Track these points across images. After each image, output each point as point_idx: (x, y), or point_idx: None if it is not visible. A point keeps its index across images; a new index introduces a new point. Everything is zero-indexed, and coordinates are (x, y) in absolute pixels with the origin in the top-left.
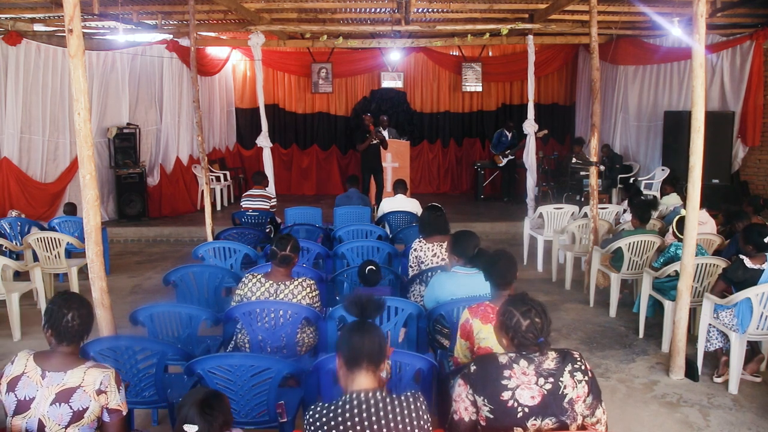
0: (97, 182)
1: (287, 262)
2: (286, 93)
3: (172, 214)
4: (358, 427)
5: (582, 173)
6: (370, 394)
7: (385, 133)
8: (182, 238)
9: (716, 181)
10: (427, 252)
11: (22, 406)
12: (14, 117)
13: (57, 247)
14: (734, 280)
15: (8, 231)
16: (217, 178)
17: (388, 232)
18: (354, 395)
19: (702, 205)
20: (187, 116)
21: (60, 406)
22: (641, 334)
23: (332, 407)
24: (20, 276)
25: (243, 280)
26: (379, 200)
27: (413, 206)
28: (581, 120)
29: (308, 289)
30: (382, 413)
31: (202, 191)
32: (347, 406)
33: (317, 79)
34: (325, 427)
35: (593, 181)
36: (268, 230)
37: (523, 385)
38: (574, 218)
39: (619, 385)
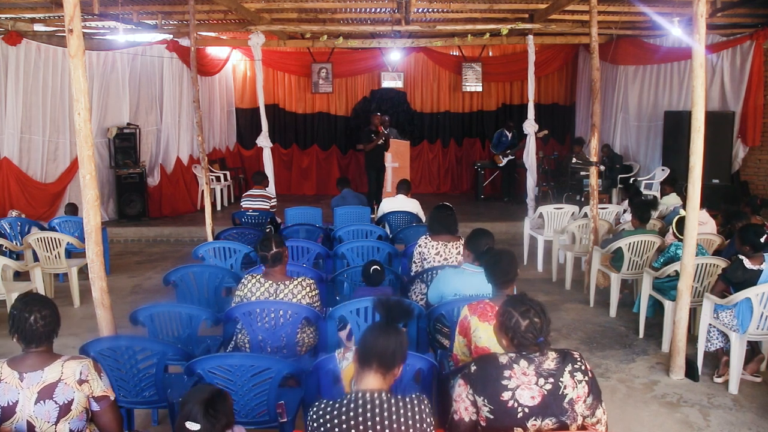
0: (97, 182)
1: (278, 259)
2: (286, 93)
3: (172, 214)
4: (361, 427)
5: (582, 173)
6: (375, 395)
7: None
8: (182, 238)
9: (716, 181)
10: (431, 250)
11: (7, 412)
12: (14, 117)
13: (57, 247)
14: (734, 280)
15: (8, 231)
16: (217, 178)
17: (388, 232)
18: (359, 394)
19: (702, 205)
20: (188, 116)
21: (45, 403)
22: (641, 334)
23: (336, 405)
24: (20, 276)
25: (243, 280)
26: (380, 200)
27: (413, 206)
28: (581, 120)
29: (308, 289)
30: (385, 414)
31: (202, 191)
32: (351, 405)
33: (317, 79)
34: (328, 425)
35: (593, 181)
36: (268, 230)
37: (524, 386)
38: (574, 218)
39: (619, 385)
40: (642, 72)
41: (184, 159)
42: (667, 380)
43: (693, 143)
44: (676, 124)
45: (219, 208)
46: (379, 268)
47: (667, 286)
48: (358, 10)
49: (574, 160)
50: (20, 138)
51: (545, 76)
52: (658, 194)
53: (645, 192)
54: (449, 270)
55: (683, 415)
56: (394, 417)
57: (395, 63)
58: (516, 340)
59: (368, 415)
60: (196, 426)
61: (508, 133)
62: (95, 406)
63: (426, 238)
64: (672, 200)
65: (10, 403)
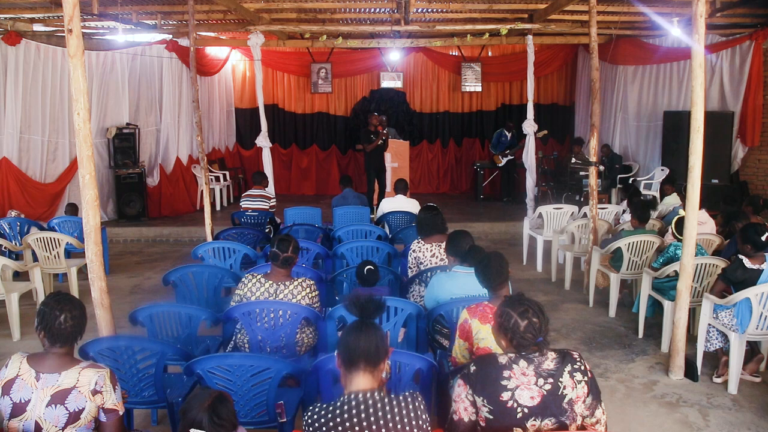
0: (96, 182)
1: (289, 263)
2: (286, 93)
3: (171, 214)
4: (357, 428)
5: (581, 173)
6: (369, 395)
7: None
8: (182, 238)
9: (716, 181)
10: (426, 253)
11: (18, 409)
12: (14, 117)
13: (56, 247)
14: (733, 280)
15: (8, 231)
16: (217, 178)
17: (388, 232)
18: (352, 396)
19: (701, 206)
20: (187, 116)
21: (56, 408)
22: (641, 334)
23: (331, 408)
24: (20, 276)
25: (242, 280)
26: (381, 200)
27: (413, 206)
28: (581, 120)
29: (308, 290)
30: (380, 413)
31: (202, 191)
32: (345, 407)
33: (317, 79)
34: (324, 428)
35: (593, 181)
36: (267, 230)
37: (523, 386)
38: (574, 218)
39: (618, 385)
40: (641, 72)
41: (183, 159)
42: (667, 380)
43: (692, 143)
44: (676, 124)
45: (218, 208)
46: (372, 267)
47: (666, 286)
48: (358, 10)
49: (573, 160)
50: (20, 138)
51: (545, 76)
52: (657, 194)
53: (644, 192)
54: (441, 275)
55: (682, 415)
56: (389, 416)
57: (395, 63)
58: (515, 340)
59: (363, 415)
60: None
61: (507, 133)
62: (103, 417)
63: (419, 242)
64: (673, 200)
65: (23, 401)
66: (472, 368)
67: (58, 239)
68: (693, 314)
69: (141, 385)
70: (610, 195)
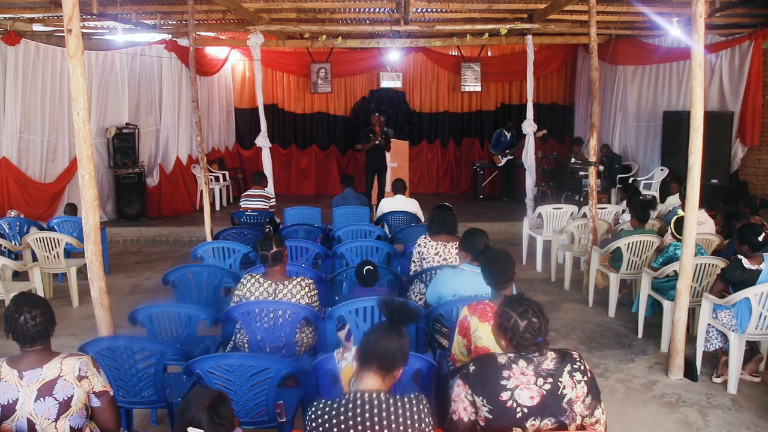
0: (96, 182)
1: (278, 258)
2: (285, 93)
3: (171, 214)
4: (359, 427)
5: (581, 173)
6: (374, 395)
7: None
8: (181, 238)
9: (715, 181)
10: (431, 250)
11: (8, 411)
12: (13, 117)
13: (56, 247)
14: (733, 280)
15: (7, 231)
16: (216, 178)
17: (387, 232)
18: (357, 394)
19: (701, 205)
20: (187, 116)
21: (45, 400)
22: (640, 334)
23: (335, 405)
24: (19, 276)
25: (242, 280)
26: (380, 200)
27: (412, 206)
28: (580, 120)
29: (307, 289)
30: (384, 414)
31: (201, 191)
32: (350, 405)
33: (316, 79)
34: (327, 425)
35: (592, 181)
36: (267, 230)
37: (522, 386)
38: (573, 218)
39: (618, 385)
40: (641, 72)
41: (183, 159)
42: (666, 380)
43: (692, 143)
44: (675, 124)
45: (218, 208)
46: (372, 267)
47: (666, 286)
48: (357, 10)
49: (573, 160)
50: (19, 138)
51: (544, 76)
52: (657, 194)
53: (644, 192)
54: (447, 270)
55: (682, 415)
56: (392, 417)
57: (394, 63)
58: (515, 340)
59: (366, 415)
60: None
61: (507, 133)
62: (95, 402)
63: (425, 238)
64: (674, 200)
65: (10, 402)
66: (472, 368)
67: (57, 239)
68: (692, 314)
69: (140, 385)
70: (610, 195)
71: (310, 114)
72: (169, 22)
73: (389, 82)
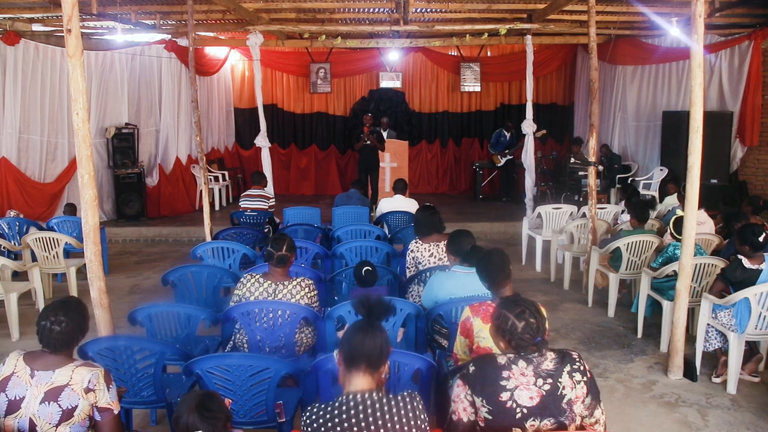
0: (95, 182)
1: (284, 261)
2: (285, 93)
3: (170, 214)
4: (355, 428)
5: (580, 173)
6: (367, 395)
7: (384, 135)
8: (181, 238)
9: (715, 181)
10: (424, 252)
11: (13, 406)
12: (13, 117)
13: (55, 247)
14: (732, 280)
15: (7, 231)
16: (216, 178)
17: (387, 232)
18: (351, 396)
19: (700, 205)
20: (186, 116)
21: (49, 405)
22: (640, 334)
23: (329, 408)
24: (19, 276)
25: (241, 280)
26: (375, 200)
27: (412, 206)
28: (580, 120)
29: (306, 289)
30: (378, 414)
31: (201, 191)
32: (344, 407)
33: (316, 79)
34: (322, 428)
35: (592, 181)
36: (266, 230)
37: (522, 386)
38: (573, 218)
39: (617, 385)
40: (640, 72)
41: (182, 159)
42: (666, 380)
43: (691, 143)
44: (675, 124)
45: (217, 208)
46: (370, 268)
47: (665, 286)
48: (357, 10)
49: (572, 160)
50: (18, 138)
51: (544, 76)
52: (656, 194)
53: (644, 192)
54: (440, 274)
55: (681, 415)
56: (387, 416)
57: (394, 63)
58: (513, 342)
59: (361, 416)
60: None
61: (506, 133)
62: (97, 416)
63: (417, 243)
64: (673, 200)
65: (17, 398)
66: (471, 368)
67: (57, 239)
68: (692, 314)
69: (140, 385)
70: (609, 195)
71: (310, 114)
72: (169, 22)
73: (389, 82)
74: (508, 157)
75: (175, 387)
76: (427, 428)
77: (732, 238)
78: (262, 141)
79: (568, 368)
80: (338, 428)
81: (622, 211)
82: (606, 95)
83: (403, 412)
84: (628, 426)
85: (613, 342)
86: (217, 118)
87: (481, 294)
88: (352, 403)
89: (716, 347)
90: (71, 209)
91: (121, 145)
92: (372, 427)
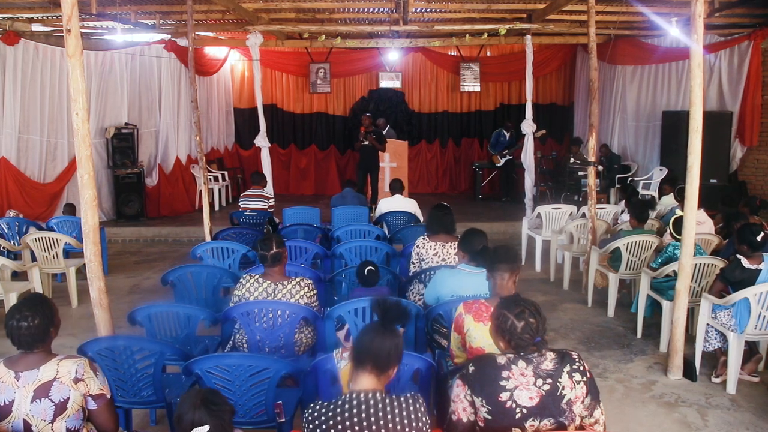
0: (95, 182)
1: (278, 259)
2: (285, 93)
3: (170, 214)
4: (356, 427)
5: (580, 173)
6: (370, 395)
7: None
8: (180, 238)
9: (714, 181)
10: (429, 250)
11: (4, 411)
12: (12, 117)
13: (55, 247)
14: (732, 280)
15: (6, 231)
16: (216, 178)
17: (386, 232)
18: (354, 395)
19: (700, 205)
20: (186, 116)
21: (41, 402)
22: (639, 334)
23: (331, 406)
24: (18, 276)
25: (241, 280)
26: (374, 200)
27: (411, 206)
28: (579, 120)
29: (306, 289)
30: (380, 414)
31: (201, 191)
32: (346, 406)
33: (315, 79)
34: (324, 426)
35: (591, 181)
36: (266, 230)
37: (522, 386)
38: (573, 218)
39: (617, 385)
40: (640, 72)
41: (182, 159)
42: (665, 380)
43: (691, 143)
44: (674, 124)
45: (217, 208)
46: (373, 268)
47: (665, 286)
48: (356, 10)
49: (572, 160)
50: (18, 138)
51: (543, 76)
52: (656, 194)
53: (643, 192)
54: (445, 271)
55: (681, 415)
56: (389, 417)
57: (393, 63)
58: (513, 342)
59: (363, 415)
60: (205, 428)
61: (506, 133)
62: (92, 404)
63: (424, 239)
64: (670, 200)
65: (6, 403)
66: (471, 368)
67: (56, 239)
68: (691, 314)
69: (139, 385)
70: (609, 195)
71: (309, 114)
72: (168, 22)
73: (388, 82)
74: (508, 157)
75: (174, 387)
76: (429, 430)
77: (731, 238)
78: (261, 141)
79: (567, 368)
80: (339, 426)
81: (622, 211)
82: (606, 95)
83: (405, 413)
84: (628, 426)
85: (613, 342)
86: (217, 118)
87: (483, 294)
88: (354, 402)
89: (716, 347)
90: (71, 209)
91: (121, 145)
92: (373, 427)
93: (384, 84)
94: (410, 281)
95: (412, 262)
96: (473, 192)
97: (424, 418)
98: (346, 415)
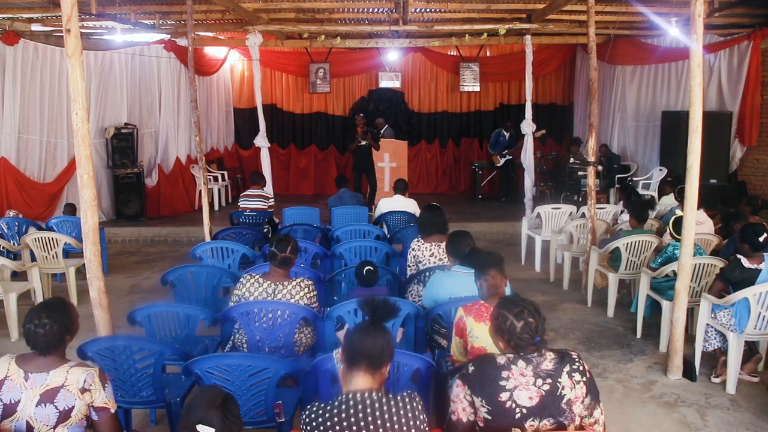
0: (94, 182)
1: (287, 263)
2: (284, 93)
3: (170, 214)
4: (354, 428)
5: (580, 173)
6: (366, 395)
7: (381, 133)
8: (180, 238)
9: (714, 181)
10: (425, 252)
11: (9, 410)
12: (12, 117)
13: (55, 247)
14: (732, 279)
15: (6, 231)
16: (215, 178)
17: (386, 232)
18: (350, 395)
19: (700, 205)
20: (186, 116)
21: (46, 407)
22: (639, 334)
23: (328, 407)
24: (18, 276)
25: (241, 280)
26: (372, 200)
27: (411, 206)
28: (579, 120)
29: (306, 290)
30: (378, 413)
31: (200, 191)
32: (343, 407)
33: (315, 79)
34: (321, 427)
35: (591, 181)
36: (266, 230)
37: (521, 386)
38: (572, 218)
39: (616, 385)
40: (640, 72)
41: (182, 159)
42: (665, 380)
43: (691, 143)
44: (674, 124)
45: (217, 208)
46: (372, 268)
47: (664, 286)
48: (356, 10)
49: (571, 160)
50: (18, 138)
51: (543, 76)
52: (656, 194)
53: (643, 192)
54: (440, 273)
55: (681, 415)
56: (386, 416)
57: (393, 63)
58: (513, 342)
59: (360, 415)
60: (210, 430)
61: (505, 133)
62: (94, 416)
63: (418, 241)
64: (670, 200)
65: (13, 402)
66: (471, 368)
67: (56, 239)
68: (691, 314)
69: (139, 385)
70: (609, 195)
71: (309, 114)
72: (168, 22)
73: (388, 82)
74: (508, 157)
75: (174, 387)
76: (427, 429)
77: (731, 238)
78: (261, 141)
79: (567, 368)
80: (337, 427)
81: (622, 211)
82: (605, 95)
83: (402, 412)
84: (628, 426)
85: (613, 342)
86: (217, 118)
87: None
88: (351, 403)
89: (715, 347)
90: (70, 209)
91: (121, 145)
92: (371, 427)
93: (384, 84)
94: (409, 282)
95: (409, 265)
96: (473, 192)
97: (421, 417)
98: (344, 415)
